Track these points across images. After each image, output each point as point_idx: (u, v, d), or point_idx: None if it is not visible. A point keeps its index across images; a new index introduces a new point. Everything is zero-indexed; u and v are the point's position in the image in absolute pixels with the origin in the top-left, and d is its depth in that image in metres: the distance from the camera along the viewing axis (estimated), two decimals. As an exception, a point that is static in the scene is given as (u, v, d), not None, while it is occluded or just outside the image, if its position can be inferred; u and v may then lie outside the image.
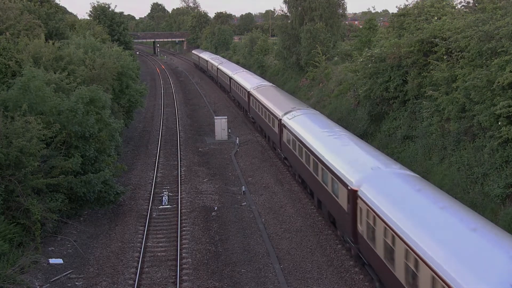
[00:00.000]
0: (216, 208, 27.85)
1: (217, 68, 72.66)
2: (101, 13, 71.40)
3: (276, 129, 34.87)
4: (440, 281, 12.59)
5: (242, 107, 53.06)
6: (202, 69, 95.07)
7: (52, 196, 22.78)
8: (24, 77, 24.78)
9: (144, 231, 24.55)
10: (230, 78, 59.78)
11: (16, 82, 25.27)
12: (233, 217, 26.58)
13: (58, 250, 22.26)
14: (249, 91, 46.50)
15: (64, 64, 31.95)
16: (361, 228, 18.45)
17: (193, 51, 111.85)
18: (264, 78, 60.94)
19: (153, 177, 32.90)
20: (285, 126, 31.79)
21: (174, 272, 20.64)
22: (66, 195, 23.61)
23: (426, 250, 13.68)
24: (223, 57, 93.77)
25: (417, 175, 19.77)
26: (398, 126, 32.98)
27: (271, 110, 36.61)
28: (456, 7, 35.61)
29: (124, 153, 38.09)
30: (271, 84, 49.23)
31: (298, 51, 60.37)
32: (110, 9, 72.92)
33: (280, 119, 33.28)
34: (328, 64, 54.25)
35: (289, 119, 31.28)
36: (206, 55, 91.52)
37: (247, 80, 52.00)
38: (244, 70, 62.88)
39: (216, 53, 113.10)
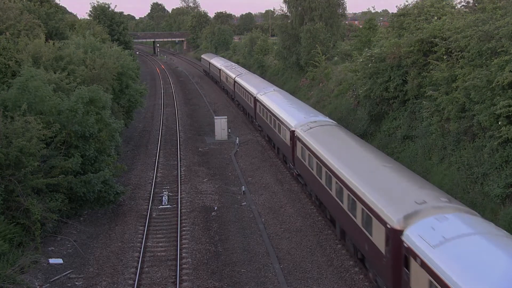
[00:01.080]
0: (216, 208, 27.85)
1: (235, 82, 55.41)
2: (101, 13, 71.42)
3: (379, 247, 16.75)
4: None
5: (278, 148, 35.45)
6: (214, 78, 77.65)
7: (52, 196, 22.79)
8: (23, 77, 24.79)
9: (144, 231, 24.55)
10: (256, 100, 42.82)
11: (14, 82, 25.27)
12: (233, 217, 26.58)
13: (58, 250, 22.27)
14: (293, 131, 29.43)
15: (64, 64, 31.97)
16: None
17: (202, 56, 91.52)
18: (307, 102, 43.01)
19: (153, 177, 32.90)
20: (414, 256, 14.21)
21: (174, 272, 20.64)
22: (66, 195, 23.62)
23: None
24: (243, 66, 74.78)
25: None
26: (398, 126, 32.98)
27: (366, 200, 17.86)
28: (456, 7, 35.59)
29: (124, 153, 38.09)
30: (332, 121, 30.13)
31: (298, 51, 60.38)
32: (110, 9, 72.95)
33: (392, 228, 15.56)
34: (328, 64, 54.25)
35: (430, 247, 13.64)
36: (218, 62, 73.72)
37: (286, 109, 34.17)
38: (276, 88, 44.55)
39: (216, 53, 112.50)
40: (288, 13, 65.50)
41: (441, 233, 13.85)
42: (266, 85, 47.20)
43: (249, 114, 48.18)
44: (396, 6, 57.11)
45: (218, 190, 30.76)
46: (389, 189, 17.91)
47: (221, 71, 68.41)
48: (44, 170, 22.87)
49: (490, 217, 20.58)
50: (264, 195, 29.65)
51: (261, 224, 25.53)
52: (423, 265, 13.52)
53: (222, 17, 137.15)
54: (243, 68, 64.84)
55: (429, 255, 13.42)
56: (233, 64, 70.47)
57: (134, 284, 19.60)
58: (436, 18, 33.40)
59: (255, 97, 43.18)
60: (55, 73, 29.07)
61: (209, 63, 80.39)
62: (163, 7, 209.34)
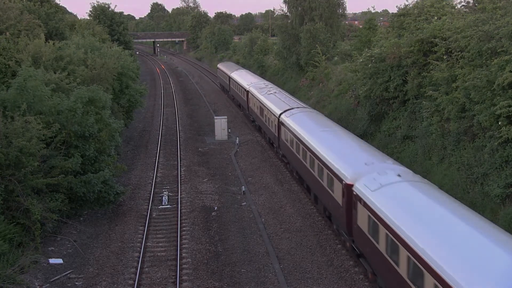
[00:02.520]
0: (216, 208, 27.85)
1: (281, 123, 32.37)
2: (101, 13, 71.46)
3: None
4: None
5: None
6: (236, 100, 56.34)
7: (52, 196, 22.78)
8: (21, 77, 24.78)
9: (144, 231, 24.55)
10: (355, 196, 19.00)
11: (13, 82, 25.28)
12: (233, 217, 26.58)
13: (58, 250, 22.26)
14: None
15: (64, 64, 31.98)
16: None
17: (219, 66, 68.37)
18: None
19: (153, 177, 32.90)
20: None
21: (174, 272, 20.64)
22: (66, 195, 23.61)
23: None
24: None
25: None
26: (398, 126, 32.98)
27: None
28: (456, 7, 35.59)
29: (124, 153, 38.09)
30: None
31: (298, 51, 60.37)
32: (110, 9, 72.99)
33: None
34: (328, 64, 54.25)
35: None
36: (244, 79, 51.05)
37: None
38: (398, 167, 19.97)
39: (216, 52, 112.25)
40: (288, 13, 65.48)
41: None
42: (369, 153, 22.18)
43: (327, 209, 23.68)
44: (396, 6, 57.05)
45: (218, 190, 30.76)
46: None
47: (250, 95, 45.23)
48: (44, 170, 22.86)
49: (490, 217, 20.57)
50: (264, 195, 29.65)
51: (261, 224, 25.53)
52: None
53: (222, 17, 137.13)
54: (290, 97, 38.94)
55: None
56: (268, 84, 46.43)
57: (134, 284, 19.59)
58: (436, 18, 33.40)
59: (351, 188, 19.54)
60: (55, 73, 29.07)
61: (229, 78, 57.65)
62: (163, 7, 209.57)
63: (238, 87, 52.71)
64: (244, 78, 51.68)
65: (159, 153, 39.13)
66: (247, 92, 46.58)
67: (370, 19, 55.42)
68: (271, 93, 40.04)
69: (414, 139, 30.70)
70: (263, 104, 39.29)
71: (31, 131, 22.03)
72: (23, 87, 24.46)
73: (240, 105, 53.78)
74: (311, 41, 56.70)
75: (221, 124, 43.26)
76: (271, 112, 35.94)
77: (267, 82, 47.78)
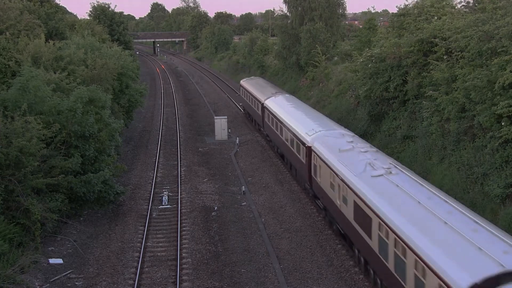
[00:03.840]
0: (216, 208, 27.85)
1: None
2: (101, 13, 71.40)
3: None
4: None
5: None
6: (276, 147, 36.26)
7: (52, 196, 22.78)
8: (23, 77, 24.77)
9: (144, 231, 24.55)
10: None
11: (14, 82, 25.25)
12: (233, 217, 26.58)
13: (58, 250, 22.26)
14: None
15: (64, 64, 31.97)
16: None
17: (244, 84, 50.82)
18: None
19: (153, 177, 32.90)
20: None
21: (174, 272, 20.64)
22: (66, 195, 23.61)
23: None
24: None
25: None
26: (398, 126, 32.98)
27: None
28: (456, 7, 35.58)
29: (124, 153, 38.08)
30: None
31: (298, 51, 60.40)
32: (110, 9, 72.94)
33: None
34: (328, 64, 54.25)
35: None
36: (298, 119, 30.30)
37: None
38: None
39: (216, 52, 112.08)
40: (288, 13, 65.51)
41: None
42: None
43: None
44: (396, 6, 56.95)
45: (218, 190, 30.76)
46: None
47: (315, 157, 25.07)
48: (44, 170, 22.85)
49: (490, 217, 20.59)
50: (264, 195, 29.65)
51: (261, 224, 25.53)
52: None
53: (222, 17, 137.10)
54: (418, 180, 18.35)
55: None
56: (354, 137, 25.54)
57: (134, 284, 19.59)
58: (436, 18, 33.40)
59: None
60: (55, 73, 29.07)
61: (264, 107, 39.01)
62: (163, 7, 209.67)
63: (284, 131, 31.79)
64: (298, 118, 30.64)
65: (159, 153, 39.14)
66: (309, 148, 25.94)
67: (370, 19, 55.40)
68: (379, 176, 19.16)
69: (414, 139, 30.70)
70: (365, 202, 18.14)
71: (31, 131, 22.03)
72: (25, 87, 24.46)
73: (283, 156, 33.80)
74: (311, 41, 56.72)
75: (221, 124, 43.27)
76: (398, 237, 15.46)
77: (349, 133, 26.86)
